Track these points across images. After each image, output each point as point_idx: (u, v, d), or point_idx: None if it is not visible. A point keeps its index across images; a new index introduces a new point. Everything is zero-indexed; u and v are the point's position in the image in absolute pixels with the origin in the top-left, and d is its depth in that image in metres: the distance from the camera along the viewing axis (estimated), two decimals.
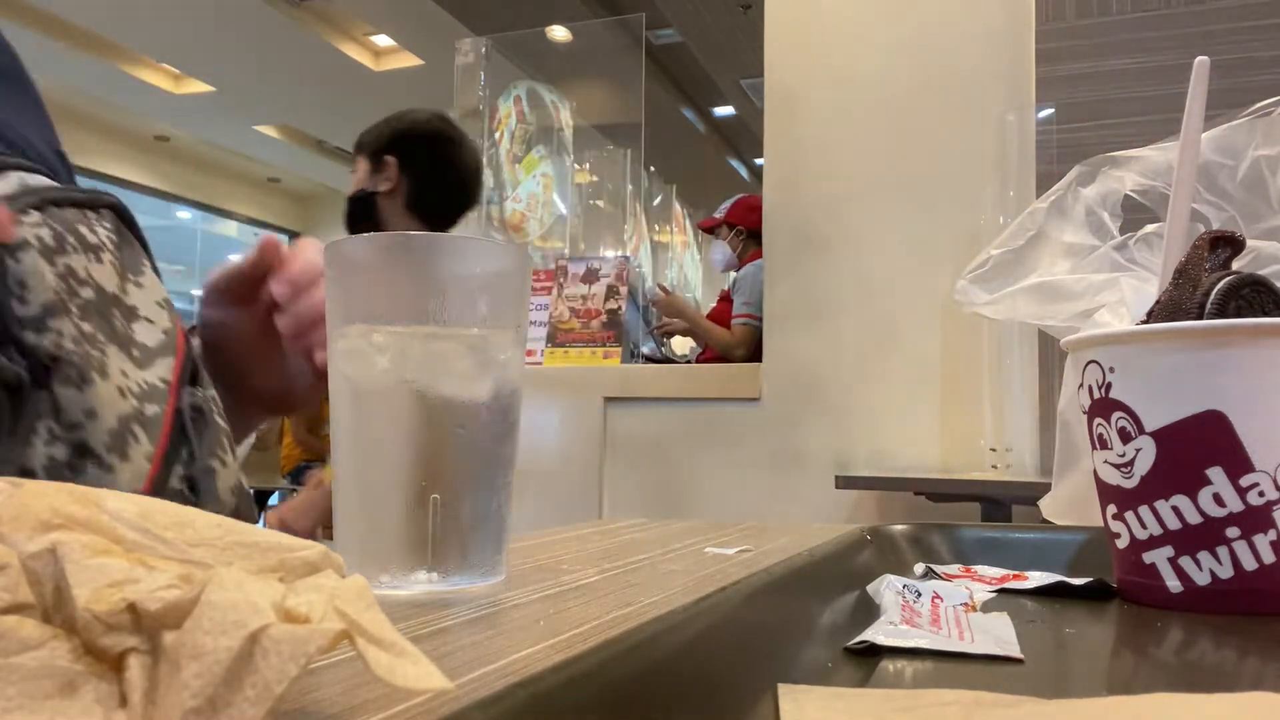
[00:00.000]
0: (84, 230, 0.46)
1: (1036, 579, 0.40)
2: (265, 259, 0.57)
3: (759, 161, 4.25)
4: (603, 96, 3.81)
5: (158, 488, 0.45)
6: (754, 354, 2.64)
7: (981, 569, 0.44)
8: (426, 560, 0.38)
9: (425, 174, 1.95)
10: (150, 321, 0.49)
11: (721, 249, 3.06)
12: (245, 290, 0.59)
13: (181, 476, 0.47)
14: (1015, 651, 0.29)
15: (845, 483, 1.71)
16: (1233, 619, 0.35)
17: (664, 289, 2.91)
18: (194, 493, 0.47)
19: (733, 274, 3.02)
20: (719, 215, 3.09)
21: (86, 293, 0.45)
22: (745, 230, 2.98)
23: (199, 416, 0.49)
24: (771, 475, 2.04)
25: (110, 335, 0.45)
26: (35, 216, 0.44)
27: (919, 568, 0.44)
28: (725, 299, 3.02)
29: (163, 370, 0.48)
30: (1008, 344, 1.77)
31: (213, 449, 0.50)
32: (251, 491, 0.54)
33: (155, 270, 0.55)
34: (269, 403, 0.64)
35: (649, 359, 2.73)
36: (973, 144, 1.92)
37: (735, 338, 2.72)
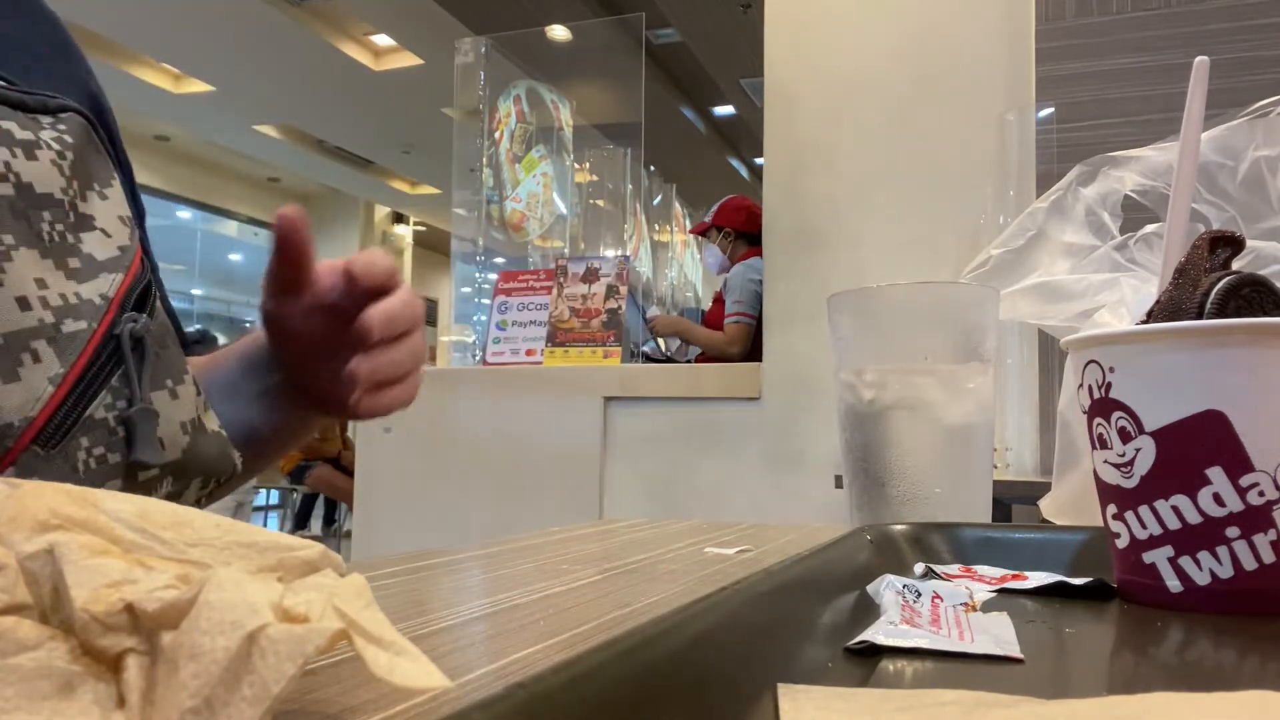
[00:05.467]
0: (11, 126, 0.42)
1: (1036, 579, 0.40)
2: (301, 251, 0.51)
3: (759, 161, 4.24)
4: (603, 96, 3.81)
5: (67, 417, 0.40)
6: (750, 351, 2.67)
7: (981, 569, 0.44)
8: None
9: None
10: (107, 235, 0.44)
11: (713, 252, 3.11)
12: (289, 277, 0.52)
13: (115, 414, 0.42)
14: (1015, 651, 0.28)
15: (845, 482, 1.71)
16: (1233, 619, 0.35)
17: (656, 316, 3.00)
18: (128, 434, 0.42)
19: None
20: (707, 219, 3.14)
21: (2, 188, 0.40)
22: (734, 231, 3.03)
23: (138, 346, 0.43)
24: (771, 475, 2.04)
25: (28, 239, 0.40)
26: None
27: (919, 568, 0.44)
28: (719, 300, 3.05)
29: (105, 286, 0.43)
30: (1008, 344, 1.77)
31: (158, 385, 0.44)
32: (224, 433, 0.50)
33: (134, 195, 0.51)
34: (318, 402, 0.59)
35: (649, 359, 2.74)
36: (973, 144, 1.92)
37: (728, 336, 2.77)
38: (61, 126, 0.44)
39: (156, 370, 0.44)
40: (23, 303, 0.39)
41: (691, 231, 3.45)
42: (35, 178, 0.41)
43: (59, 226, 0.42)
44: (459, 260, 2.95)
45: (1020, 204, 1.74)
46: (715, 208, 3.13)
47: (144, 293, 0.45)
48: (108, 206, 0.45)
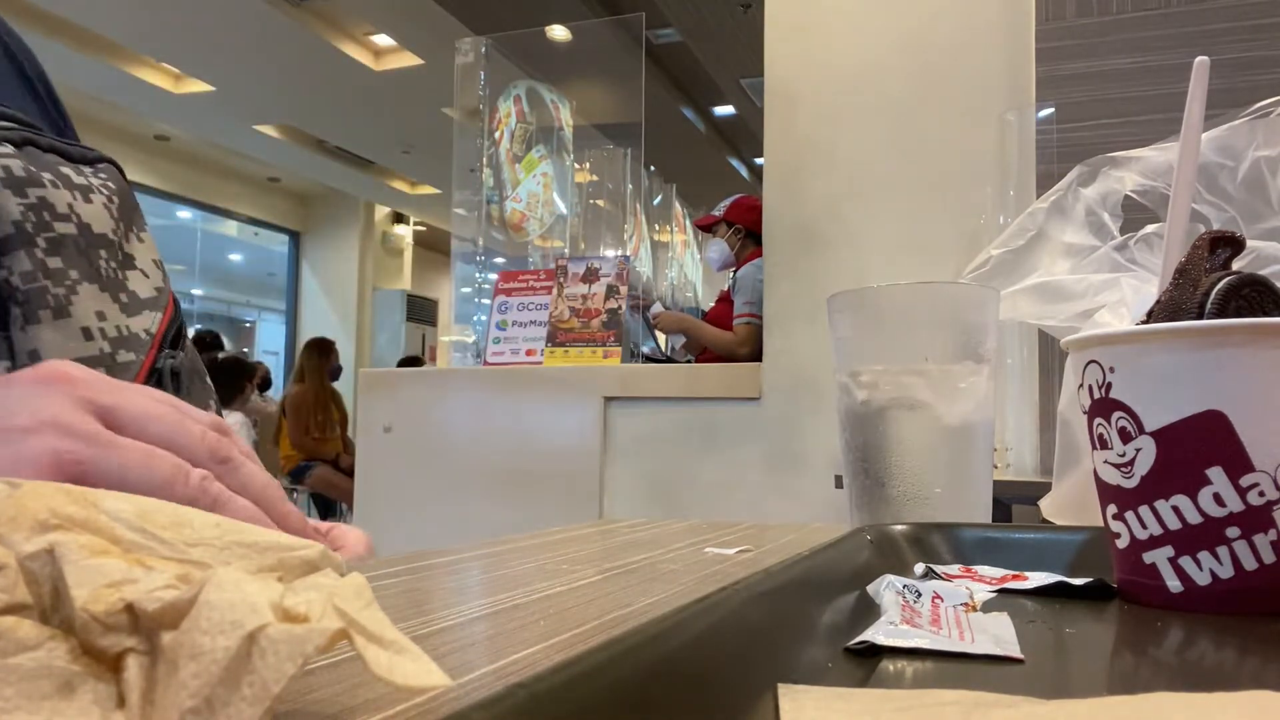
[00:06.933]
0: (69, 172, 0.45)
1: (1036, 579, 0.40)
2: None
3: (759, 161, 4.25)
4: (603, 96, 3.81)
5: None
6: (757, 353, 2.66)
7: (981, 569, 0.44)
8: None
9: None
10: (145, 275, 0.48)
11: (719, 247, 3.09)
12: None
13: None
14: (1015, 651, 0.28)
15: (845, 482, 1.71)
16: (1233, 619, 0.35)
17: (660, 313, 2.97)
18: None
19: (731, 274, 3.04)
20: (718, 213, 3.12)
21: (64, 228, 0.43)
22: (744, 229, 3.01)
23: (175, 379, 0.47)
24: (771, 475, 2.04)
25: (90, 274, 0.44)
26: (8, 149, 0.43)
27: (919, 568, 0.44)
28: (724, 299, 3.04)
29: (148, 323, 0.47)
30: (1008, 344, 1.77)
31: None
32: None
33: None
34: None
35: (649, 359, 2.74)
36: (973, 144, 1.92)
37: (738, 337, 2.76)
38: (103, 175, 0.49)
39: (189, 401, 0.47)
40: (86, 333, 0.43)
41: (697, 224, 3.42)
42: (93, 218, 0.45)
43: (112, 264, 0.46)
44: (459, 260, 2.95)
45: (1020, 204, 1.74)
46: (727, 203, 3.10)
47: (177, 332, 0.50)
48: (144, 249, 0.50)
